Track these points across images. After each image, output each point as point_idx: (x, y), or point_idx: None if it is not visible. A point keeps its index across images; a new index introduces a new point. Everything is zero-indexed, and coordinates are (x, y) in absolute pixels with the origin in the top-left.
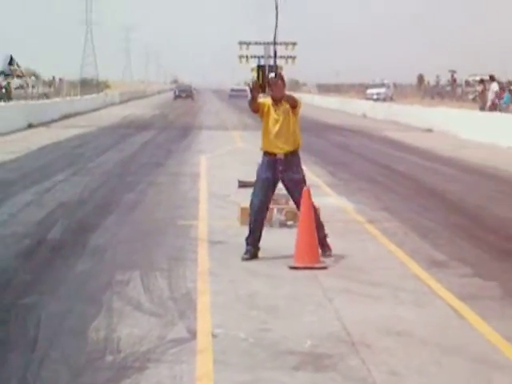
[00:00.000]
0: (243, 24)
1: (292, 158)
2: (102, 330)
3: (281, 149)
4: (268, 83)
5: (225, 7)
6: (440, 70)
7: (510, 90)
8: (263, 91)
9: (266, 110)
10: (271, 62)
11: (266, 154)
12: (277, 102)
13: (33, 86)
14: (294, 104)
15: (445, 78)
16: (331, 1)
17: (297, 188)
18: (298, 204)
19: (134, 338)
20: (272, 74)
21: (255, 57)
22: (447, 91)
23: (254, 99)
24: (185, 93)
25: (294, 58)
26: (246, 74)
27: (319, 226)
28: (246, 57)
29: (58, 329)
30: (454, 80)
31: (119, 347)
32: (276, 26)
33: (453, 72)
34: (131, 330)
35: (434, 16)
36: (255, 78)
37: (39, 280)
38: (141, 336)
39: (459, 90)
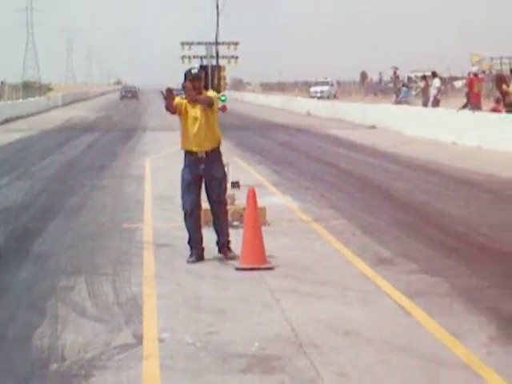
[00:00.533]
0: (185, 24)
1: (213, 155)
2: (47, 337)
3: (202, 147)
4: (182, 86)
5: (167, 7)
6: (383, 67)
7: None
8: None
9: (183, 109)
10: (214, 62)
11: (188, 153)
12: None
13: None
14: (209, 104)
15: (387, 75)
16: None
17: (217, 185)
18: (214, 202)
19: (79, 344)
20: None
21: (198, 57)
22: (390, 88)
23: (169, 105)
24: (130, 93)
25: (236, 57)
26: None
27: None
28: (189, 57)
29: (1, 337)
30: (397, 77)
31: (64, 355)
32: (217, 26)
33: (395, 69)
34: (76, 336)
35: (376, 13)
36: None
37: None
38: (86, 343)
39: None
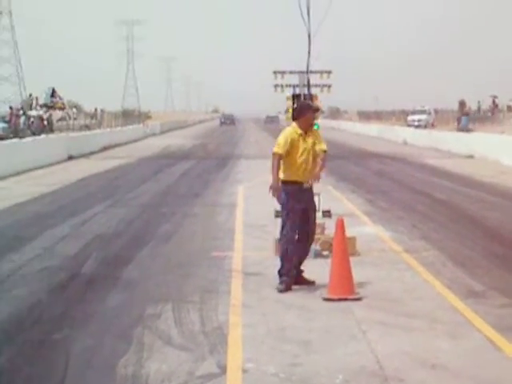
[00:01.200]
0: (279, 53)
1: (312, 187)
2: (131, 365)
3: (307, 178)
4: (296, 115)
5: (262, 37)
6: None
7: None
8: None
9: (289, 147)
10: (306, 90)
11: (292, 183)
12: (306, 132)
13: (75, 118)
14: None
15: (486, 104)
16: (366, 26)
17: (314, 217)
18: (312, 232)
19: (163, 373)
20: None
21: (290, 86)
22: (488, 116)
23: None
24: (229, 120)
25: (329, 86)
26: (283, 103)
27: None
28: (281, 86)
29: (87, 365)
30: (496, 105)
31: (147, 383)
32: (309, 55)
33: (494, 97)
34: (160, 365)
35: (474, 40)
36: (290, 106)
37: (71, 314)
38: (170, 372)
39: (500, 115)
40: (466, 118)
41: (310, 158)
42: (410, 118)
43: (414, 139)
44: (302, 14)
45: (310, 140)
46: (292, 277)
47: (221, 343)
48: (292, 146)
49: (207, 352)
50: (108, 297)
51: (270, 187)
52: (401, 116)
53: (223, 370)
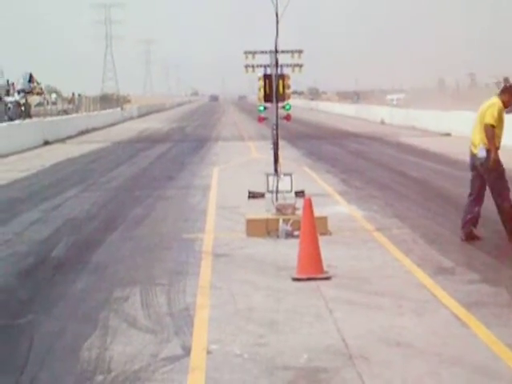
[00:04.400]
0: (253, 33)
1: None
2: (95, 348)
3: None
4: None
5: (236, 17)
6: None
7: None
8: (270, 101)
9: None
10: (278, 70)
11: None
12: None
13: (53, 103)
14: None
15: (465, 82)
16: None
17: None
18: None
19: (127, 356)
20: None
21: (261, 66)
22: (467, 94)
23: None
24: (215, 98)
25: (301, 65)
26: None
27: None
28: (252, 66)
29: (50, 349)
30: (474, 83)
31: (110, 366)
32: (277, 34)
33: (472, 75)
34: (124, 348)
35: (450, 18)
36: (261, 86)
37: (37, 298)
38: (133, 354)
39: (481, 93)
40: None
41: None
42: (388, 97)
43: (392, 118)
44: None
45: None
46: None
47: (187, 325)
48: (499, 119)
49: (172, 334)
50: (76, 281)
51: (490, 159)
52: (379, 96)
53: (187, 351)
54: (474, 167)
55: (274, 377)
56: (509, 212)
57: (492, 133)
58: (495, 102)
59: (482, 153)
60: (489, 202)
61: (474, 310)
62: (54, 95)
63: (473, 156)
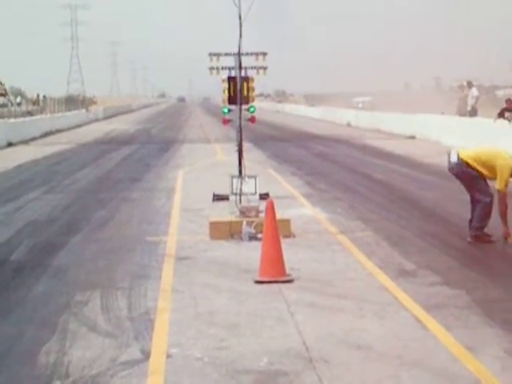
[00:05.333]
0: (218, 35)
1: None
2: (53, 353)
3: None
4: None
5: (201, 20)
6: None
7: None
8: (234, 103)
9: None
10: (243, 72)
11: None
12: None
13: (18, 104)
14: None
15: (430, 85)
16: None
17: None
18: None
19: (85, 360)
20: None
21: (226, 68)
22: (432, 97)
23: None
24: (182, 100)
25: (265, 68)
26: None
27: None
28: (217, 68)
29: (7, 353)
30: (439, 86)
31: (68, 371)
32: (240, 37)
33: (437, 79)
34: (83, 352)
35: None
36: (225, 89)
37: None
38: (92, 359)
39: (446, 97)
40: None
41: None
42: (354, 99)
43: (358, 121)
44: None
45: None
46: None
47: (147, 329)
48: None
49: (132, 338)
50: (36, 284)
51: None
52: (347, 98)
53: (147, 355)
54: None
55: (235, 381)
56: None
57: (504, 203)
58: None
59: (453, 158)
60: (453, 207)
61: (435, 312)
62: (18, 98)
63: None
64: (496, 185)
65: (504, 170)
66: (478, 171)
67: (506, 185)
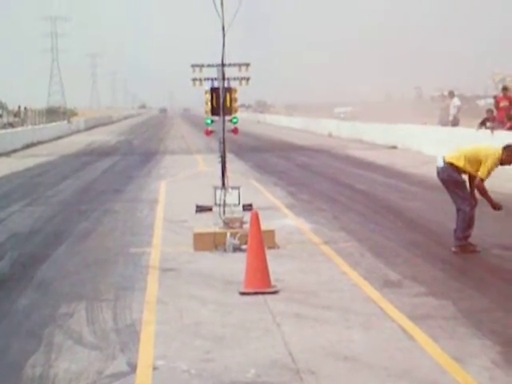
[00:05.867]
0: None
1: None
2: (39, 366)
3: None
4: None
5: (182, 31)
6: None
7: None
8: (217, 114)
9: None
10: (226, 83)
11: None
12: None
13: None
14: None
15: (411, 95)
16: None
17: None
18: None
19: (72, 373)
20: None
21: (209, 79)
22: (413, 107)
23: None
24: (163, 111)
25: (247, 79)
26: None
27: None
28: (200, 79)
29: None
30: (420, 96)
31: None
32: (223, 48)
33: (418, 89)
34: (69, 365)
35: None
36: (208, 100)
37: None
38: (78, 371)
39: (426, 106)
40: None
41: None
42: (336, 110)
43: (339, 131)
44: (216, 6)
45: None
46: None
47: (133, 341)
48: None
49: (118, 350)
50: (20, 297)
51: (494, 207)
52: (328, 108)
53: (133, 368)
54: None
55: None
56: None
57: (483, 188)
58: (497, 153)
59: (439, 163)
60: (437, 216)
61: (421, 322)
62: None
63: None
64: (479, 173)
65: (489, 158)
66: (464, 171)
67: (489, 173)
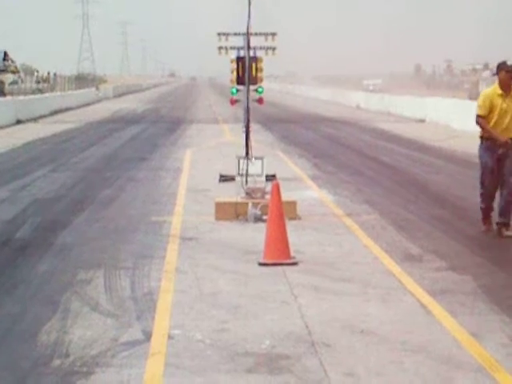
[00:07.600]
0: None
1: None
2: (54, 332)
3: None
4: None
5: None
6: (437, 59)
7: None
8: (242, 83)
9: (488, 107)
10: (252, 53)
11: (489, 140)
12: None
13: (37, 82)
14: None
15: (441, 68)
16: None
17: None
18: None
19: (86, 340)
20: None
21: (235, 48)
22: (443, 81)
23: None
24: (193, 79)
25: (274, 48)
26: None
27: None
28: (226, 48)
29: (8, 332)
30: (451, 70)
31: (68, 351)
32: (249, 17)
33: (449, 62)
34: (84, 332)
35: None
36: (234, 69)
37: None
38: (93, 339)
39: (456, 80)
40: None
41: (507, 119)
42: (365, 82)
43: (367, 103)
44: None
45: (509, 101)
46: (490, 221)
47: (149, 309)
48: (492, 105)
49: (134, 318)
50: (39, 263)
51: (500, 145)
52: (357, 80)
53: (148, 336)
54: None
55: (235, 363)
56: None
57: (482, 122)
58: (488, 89)
59: None
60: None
61: (440, 297)
62: (36, 73)
63: None
64: None
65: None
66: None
67: (480, 107)
